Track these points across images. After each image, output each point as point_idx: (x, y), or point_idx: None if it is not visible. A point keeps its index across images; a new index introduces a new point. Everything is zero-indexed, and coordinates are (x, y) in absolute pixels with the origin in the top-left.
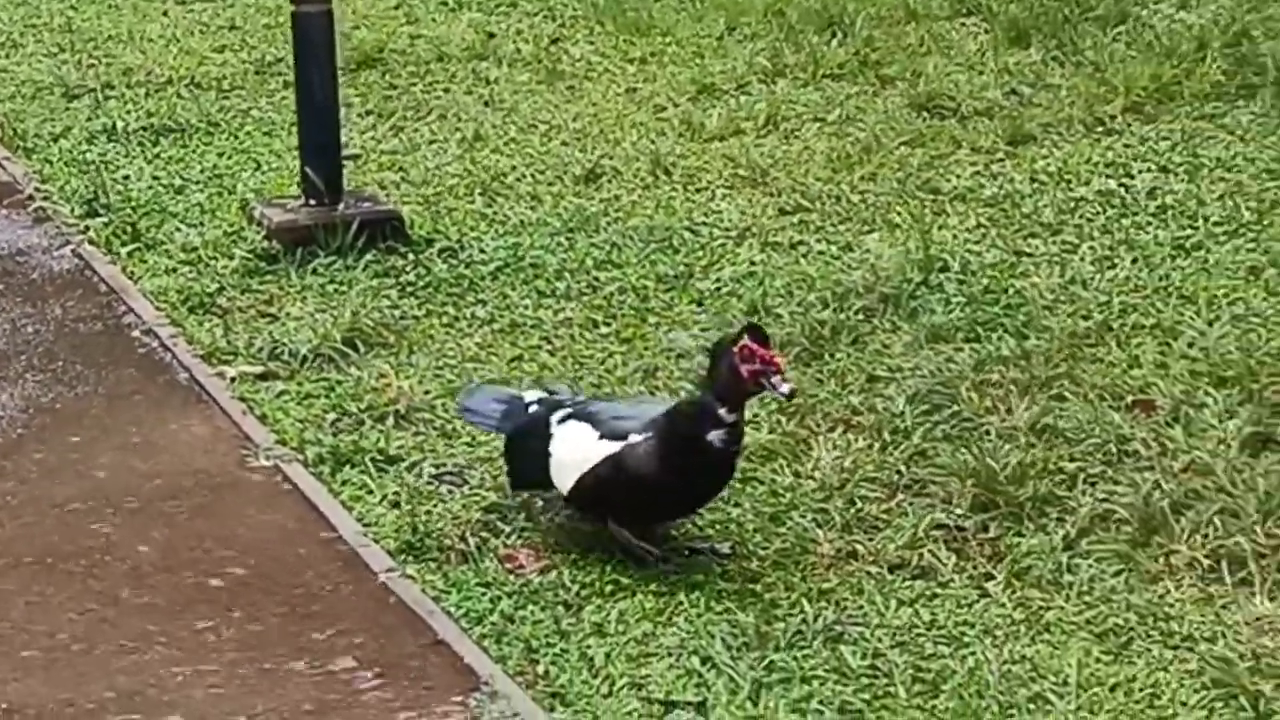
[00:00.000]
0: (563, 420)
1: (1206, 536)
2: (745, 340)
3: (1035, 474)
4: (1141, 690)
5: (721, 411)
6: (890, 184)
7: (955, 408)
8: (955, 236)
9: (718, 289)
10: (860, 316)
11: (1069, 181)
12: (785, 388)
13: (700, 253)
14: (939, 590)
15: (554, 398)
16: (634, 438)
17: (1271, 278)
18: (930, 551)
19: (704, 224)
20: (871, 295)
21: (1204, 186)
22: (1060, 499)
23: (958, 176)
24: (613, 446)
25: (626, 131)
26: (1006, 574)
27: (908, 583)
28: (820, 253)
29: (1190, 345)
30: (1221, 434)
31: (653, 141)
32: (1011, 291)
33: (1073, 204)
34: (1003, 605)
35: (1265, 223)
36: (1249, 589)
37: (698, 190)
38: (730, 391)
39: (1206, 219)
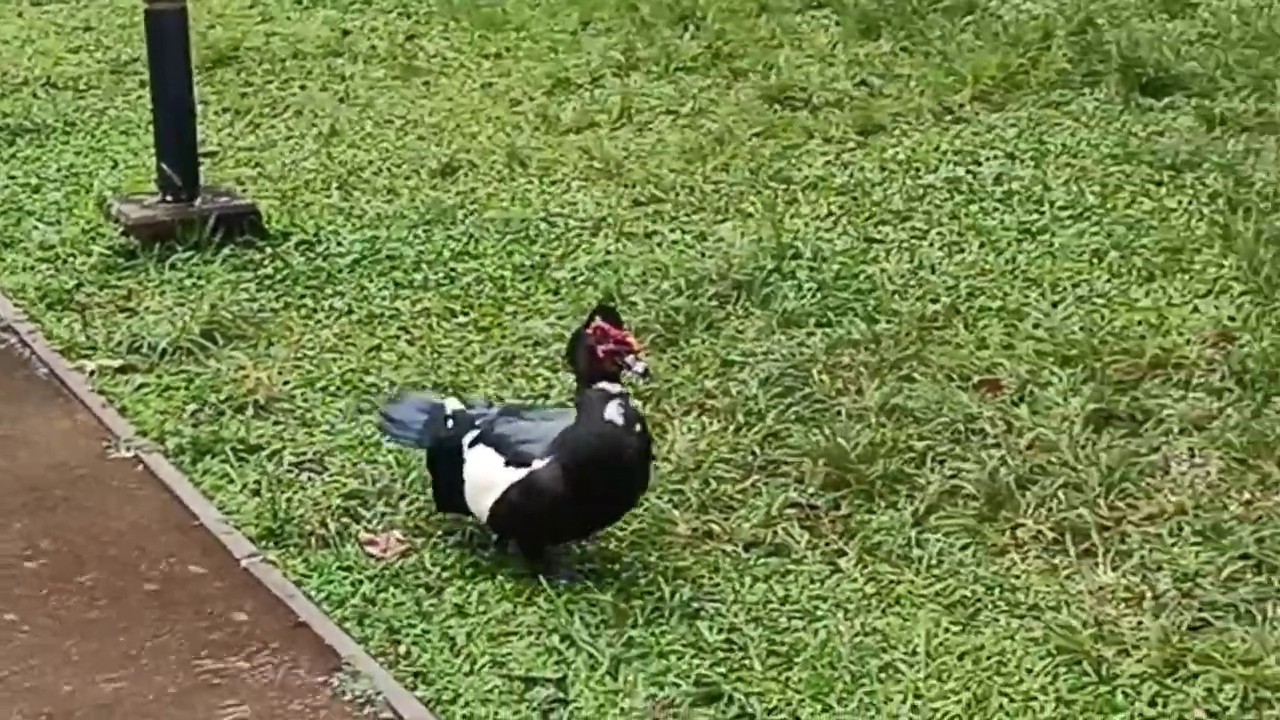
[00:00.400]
0: (473, 443)
1: (1051, 510)
2: (597, 321)
3: (885, 453)
4: (989, 658)
5: (603, 384)
6: (743, 174)
7: (807, 390)
8: (807, 224)
9: (574, 278)
10: (714, 303)
11: (918, 169)
12: (640, 366)
13: (556, 243)
14: (792, 567)
15: (469, 413)
16: (537, 463)
17: (1114, 260)
18: (784, 529)
19: (560, 215)
20: (725, 282)
21: (1050, 172)
22: (909, 476)
23: (809, 166)
24: (518, 473)
25: (482, 126)
26: (858, 550)
27: (762, 560)
28: (674, 242)
29: (1035, 326)
30: (1065, 412)
31: (508, 135)
32: (862, 277)
33: (921, 191)
34: (854, 580)
35: (1109, 206)
36: (1092, 560)
37: (553, 182)
38: (590, 373)
39: (1052, 204)
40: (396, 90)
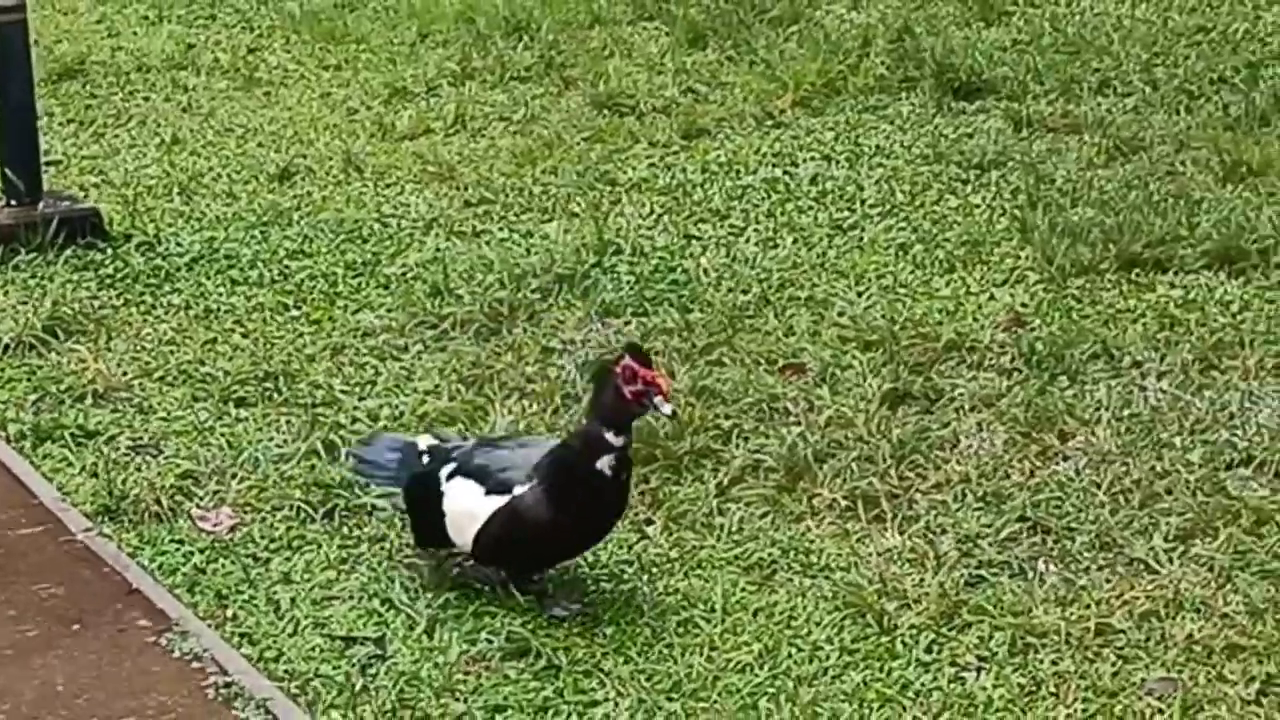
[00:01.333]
0: (450, 476)
1: (845, 481)
2: (626, 360)
3: (692, 431)
4: (781, 614)
5: (609, 435)
6: (570, 176)
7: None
8: (629, 223)
9: (403, 274)
10: (537, 295)
11: (738, 171)
12: (667, 408)
13: (388, 242)
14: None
15: (444, 446)
16: (519, 489)
17: (918, 253)
18: None
19: (393, 216)
20: (547, 276)
21: (863, 172)
22: (715, 452)
23: (634, 169)
24: (500, 500)
25: (320, 133)
26: (664, 518)
27: None
28: (502, 239)
29: (840, 314)
30: (863, 391)
31: (345, 142)
32: (679, 270)
33: (740, 191)
34: (660, 545)
35: (916, 204)
36: (881, 525)
37: (388, 186)
38: (615, 414)
39: (863, 201)
40: (238, 100)
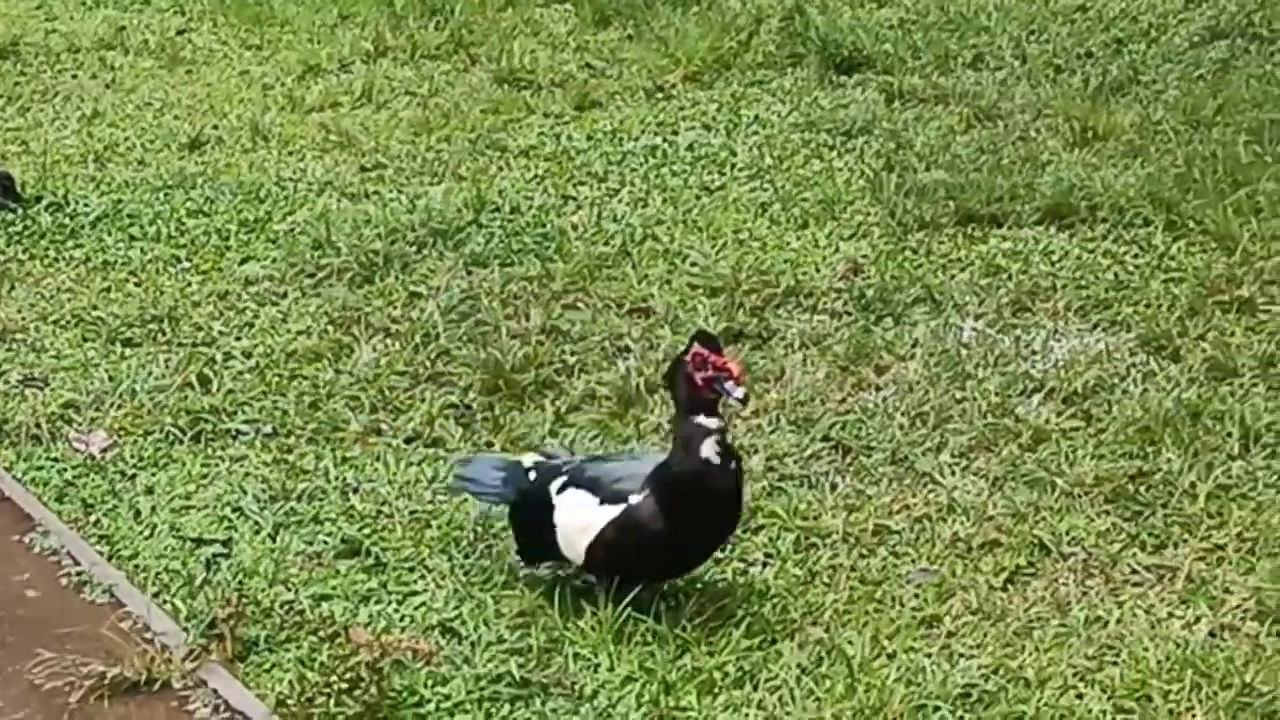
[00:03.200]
0: (561, 489)
1: (670, 407)
2: (696, 348)
3: (537, 365)
4: None
5: (702, 419)
6: (463, 144)
7: (479, 316)
8: (513, 185)
9: (290, 230)
10: (412, 248)
11: (621, 139)
12: (739, 392)
13: (283, 202)
14: (445, 454)
15: (551, 463)
16: (634, 498)
17: (776, 211)
18: (441, 426)
19: (291, 180)
20: (423, 230)
21: (738, 140)
22: (557, 384)
23: (524, 137)
24: (614, 510)
25: (234, 107)
26: (503, 441)
27: (420, 450)
28: (390, 200)
29: (693, 265)
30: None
31: (256, 115)
32: (550, 226)
33: (621, 156)
34: None
35: (783, 167)
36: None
37: (291, 153)
38: (691, 401)
39: (734, 166)
40: (160, 78)
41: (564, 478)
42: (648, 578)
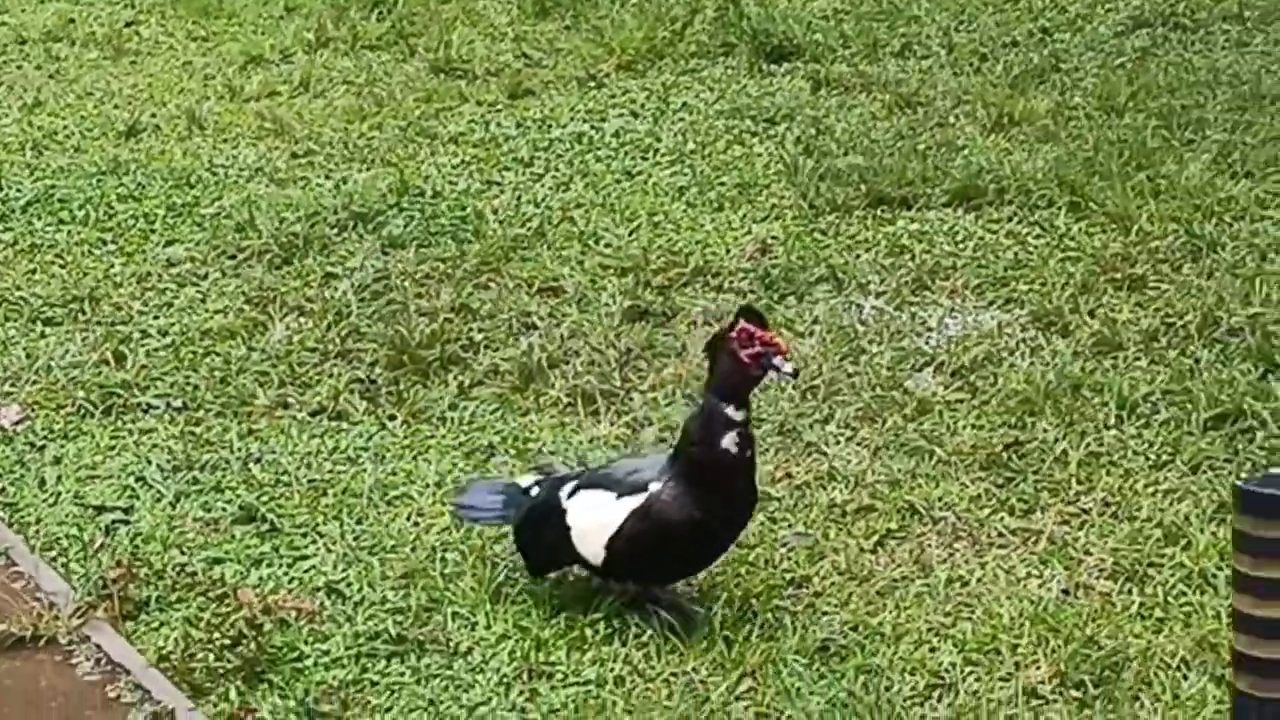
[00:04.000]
0: (573, 493)
1: (571, 381)
2: (742, 323)
3: (444, 341)
4: None
5: (729, 410)
6: (394, 131)
7: (391, 295)
8: (439, 170)
9: (216, 214)
10: (333, 230)
11: (550, 126)
12: (788, 367)
13: (212, 188)
14: (348, 427)
15: (554, 476)
16: (654, 486)
17: (693, 195)
18: (346, 400)
19: (222, 166)
20: (345, 214)
21: (664, 127)
22: (462, 359)
23: (455, 124)
24: (635, 501)
25: (174, 96)
26: (405, 414)
27: (324, 423)
28: (316, 185)
29: (606, 246)
30: (609, 310)
31: (194, 104)
32: (469, 210)
33: (548, 143)
34: (396, 436)
35: (705, 153)
36: (596, 418)
37: (225, 141)
38: (735, 383)
39: (657, 151)
40: (104, 69)
41: (573, 483)
42: (673, 573)
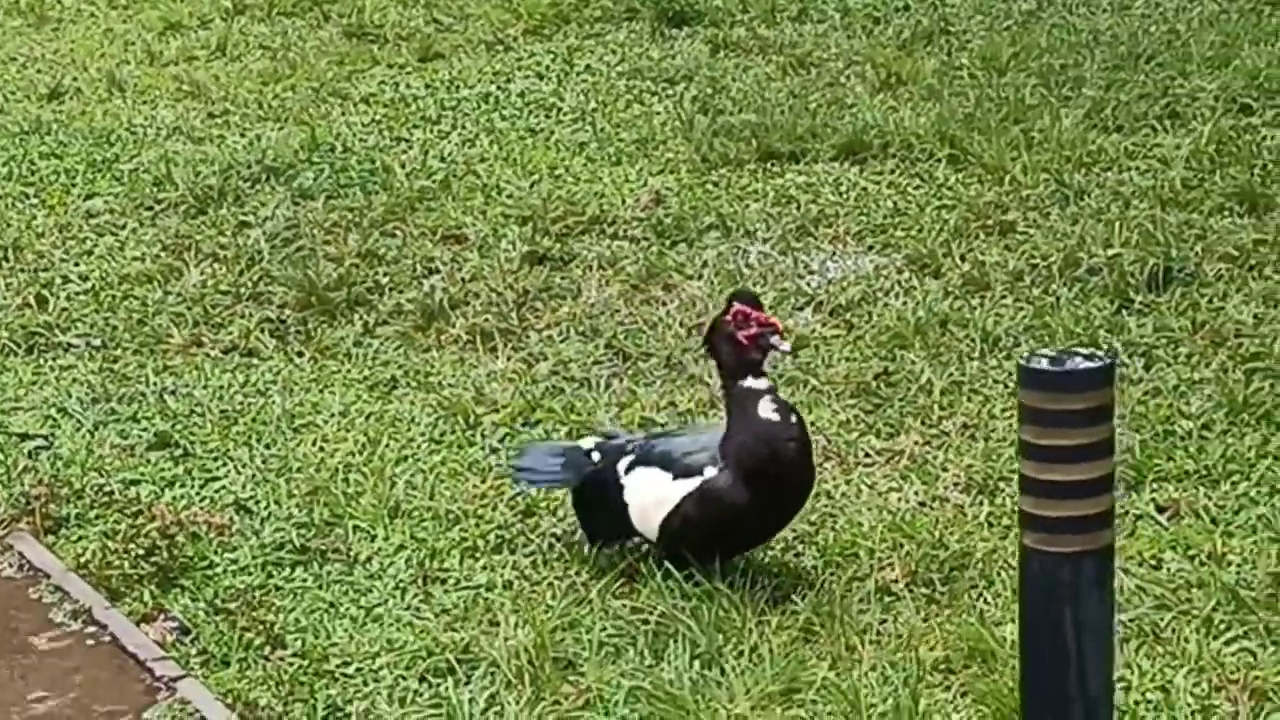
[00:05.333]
0: (630, 468)
1: (470, 320)
2: (736, 306)
3: (350, 284)
4: (389, 417)
5: (748, 383)
6: (307, 92)
7: (301, 242)
8: (350, 128)
9: (134, 170)
10: (246, 183)
11: (458, 86)
12: (786, 345)
13: (131, 146)
14: (258, 363)
15: (613, 443)
16: (710, 470)
17: (593, 150)
18: (258, 338)
19: (141, 126)
20: (258, 168)
21: (568, 87)
22: (368, 301)
23: (366, 85)
24: (690, 484)
25: (95, 61)
26: (313, 351)
27: (236, 360)
28: (231, 142)
29: (509, 197)
30: (508, 254)
31: (115, 68)
32: (378, 164)
33: (456, 103)
34: (304, 370)
35: (606, 111)
36: (494, 354)
37: (144, 102)
38: (736, 362)
39: (560, 110)
40: (27, 36)
41: (630, 457)
42: (725, 551)
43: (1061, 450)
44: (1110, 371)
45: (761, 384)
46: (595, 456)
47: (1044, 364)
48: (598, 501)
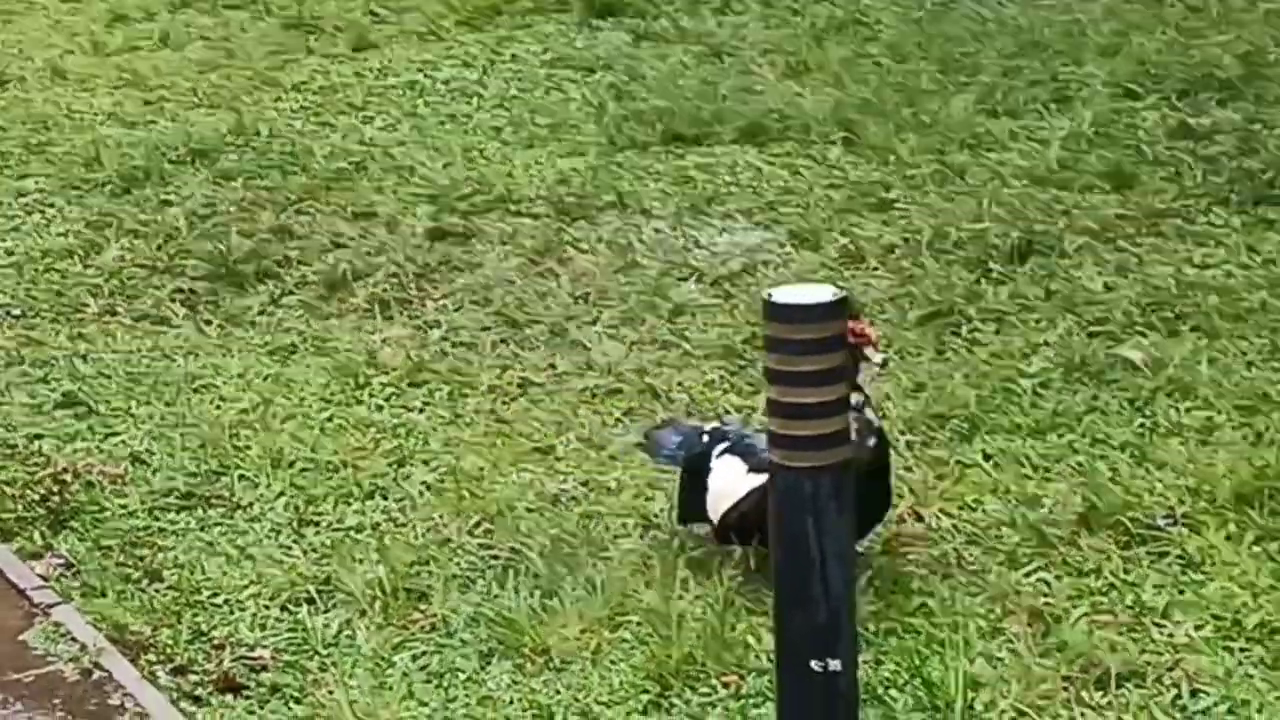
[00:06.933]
0: (721, 454)
1: (370, 290)
2: None
3: (261, 257)
4: (286, 379)
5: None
6: (241, 80)
7: (218, 219)
8: (279, 114)
9: (67, 152)
10: (172, 165)
11: (386, 75)
12: (879, 358)
13: (69, 131)
14: (167, 330)
15: (723, 429)
16: None
17: (509, 134)
18: (168, 307)
19: (79, 113)
20: (184, 150)
21: (492, 75)
22: (277, 273)
23: (299, 74)
24: (758, 479)
25: (41, 51)
26: (221, 319)
27: (147, 327)
28: (163, 127)
29: (421, 179)
30: (414, 230)
31: (59, 57)
32: (300, 148)
33: (383, 90)
34: (210, 337)
35: (525, 98)
36: (390, 321)
37: (85, 90)
38: None
39: (482, 96)
40: None
41: (728, 442)
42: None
43: (801, 375)
44: (843, 305)
45: (853, 398)
46: (705, 439)
47: (784, 298)
48: (691, 481)
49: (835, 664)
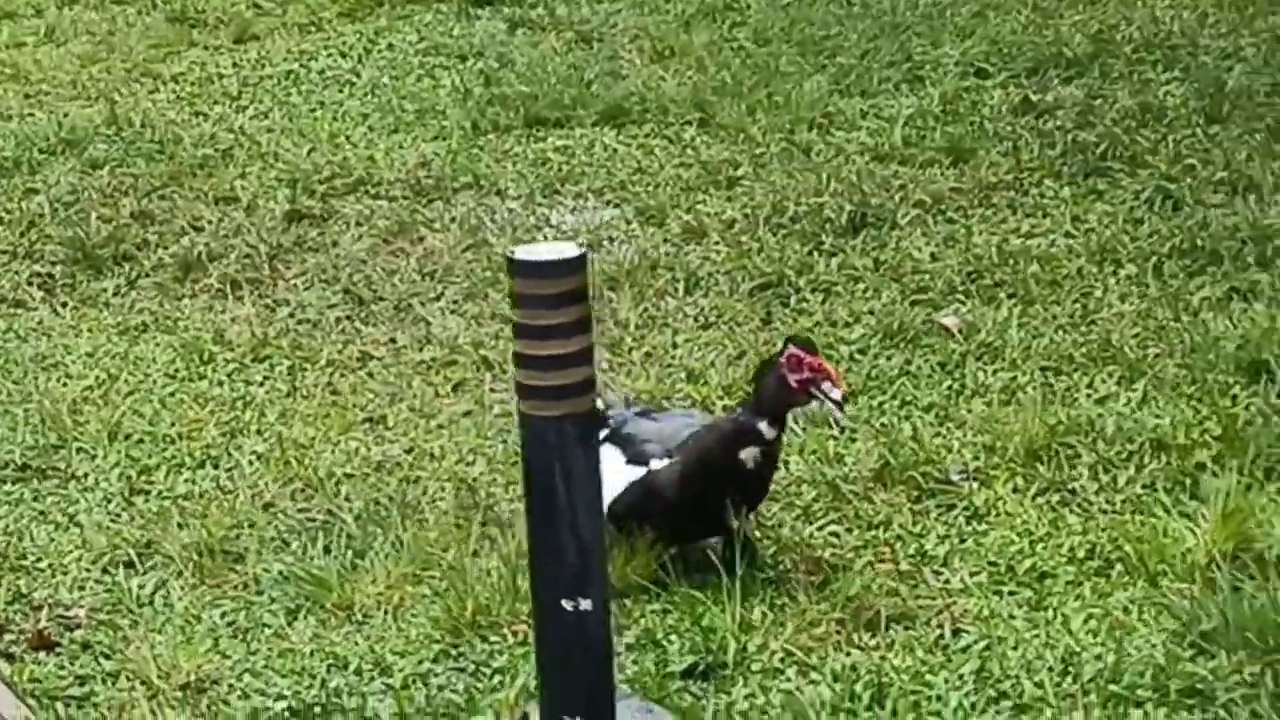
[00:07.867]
0: (602, 442)
1: (223, 270)
2: (791, 349)
3: (120, 241)
4: (134, 357)
5: (762, 426)
6: (120, 73)
7: (80, 206)
8: (154, 105)
9: None
10: (42, 155)
11: (264, 65)
12: (837, 394)
13: None
14: (23, 313)
15: (608, 411)
16: (655, 463)
17: (375, 120)
18: (25, 290)
19: None
20: (55, 141)
21: (367, 64)
22: (135, 256)
23: (178, 66)
24: (636, 472)
25: None
26: (75, 301)
27: (4, 310)
28: (38, 119)
29: (284, 164)
30: (270, 212)
31: None
32: (170, 135)
33: (258, 80)
34: (64, 318)
35: (396, 85)
36: (240, 301)
37: None
38: (775, 403)
39: (355, 85)
40: None
41: (606, 430)
42: (668, 541)
43: (545, 329)
44: (583, 261)
45: (770, 432)
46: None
47: (527, 255)
48: None
49: (586, 604)
